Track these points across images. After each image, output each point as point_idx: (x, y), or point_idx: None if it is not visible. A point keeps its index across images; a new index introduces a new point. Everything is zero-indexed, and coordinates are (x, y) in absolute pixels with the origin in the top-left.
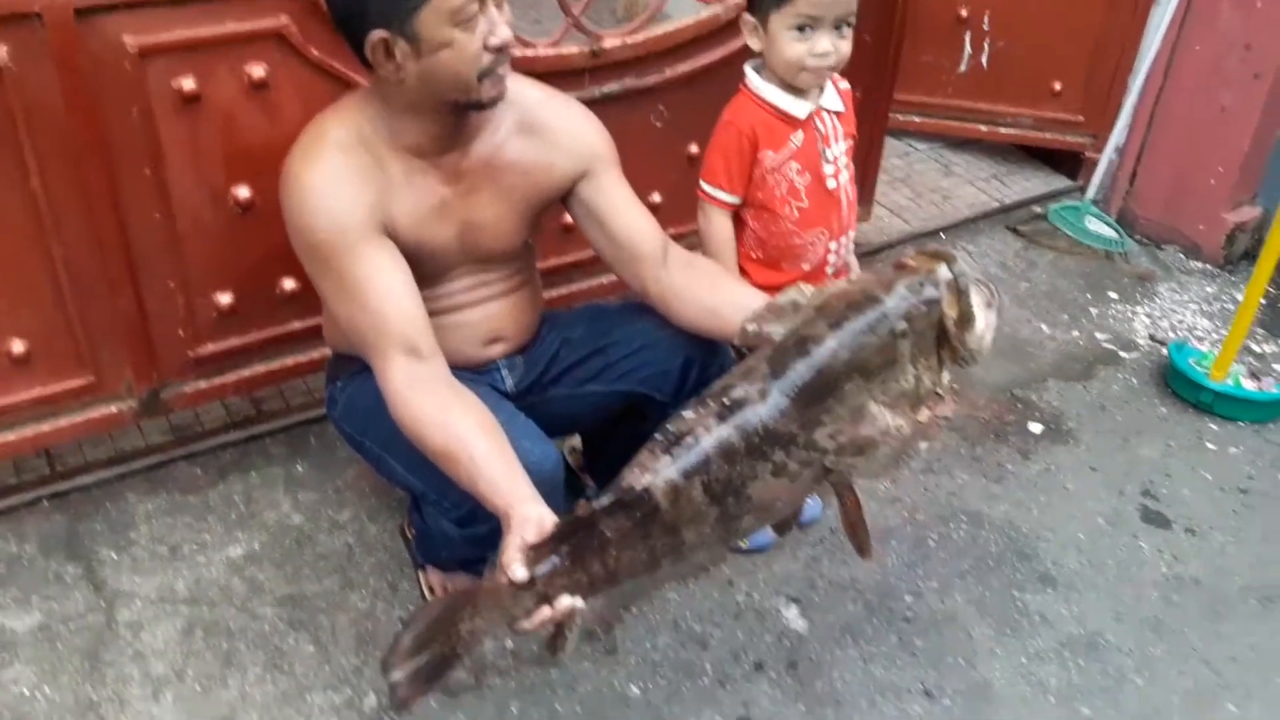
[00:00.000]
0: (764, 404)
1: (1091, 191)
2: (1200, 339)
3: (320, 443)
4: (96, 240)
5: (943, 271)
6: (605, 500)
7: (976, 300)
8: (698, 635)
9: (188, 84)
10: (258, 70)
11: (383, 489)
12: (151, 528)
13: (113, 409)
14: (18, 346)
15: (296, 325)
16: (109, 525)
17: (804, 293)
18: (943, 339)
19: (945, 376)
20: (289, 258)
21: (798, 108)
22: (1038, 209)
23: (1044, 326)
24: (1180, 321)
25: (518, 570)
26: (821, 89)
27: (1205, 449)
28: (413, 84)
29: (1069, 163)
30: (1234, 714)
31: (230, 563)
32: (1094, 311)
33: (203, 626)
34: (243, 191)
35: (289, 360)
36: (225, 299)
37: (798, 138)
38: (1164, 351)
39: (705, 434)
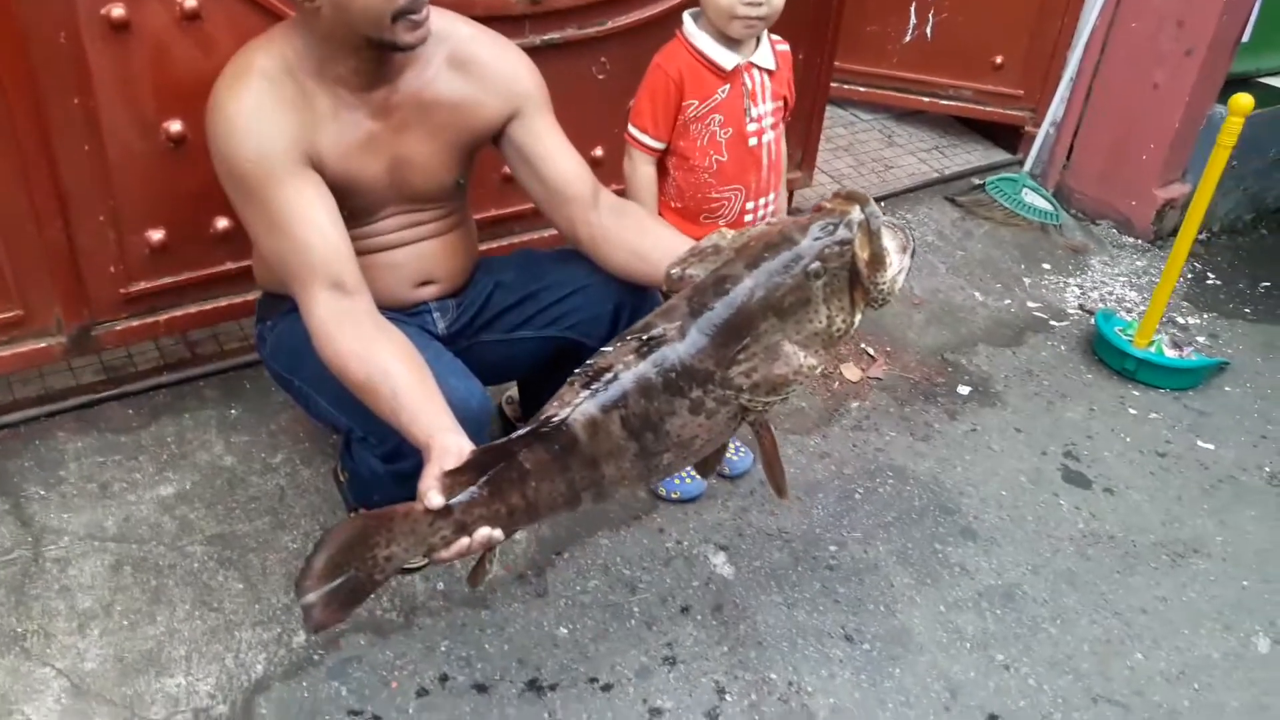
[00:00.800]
0: (682, 341)
1: (1029, 165)
2: (1129, 310)
3: (255, 387)
4: (23, 171)
5: (855, 213)
6: (523, 431)
7: (890, 243)
8: (627, 579)
9: (117, 11)
10: (190, 0)
11: (316, 434)
12: (81, 466)
13: (42, 344)
14: None
15: (230, 266)
16: (38, 463)
17: (725, 236)
18: (855, 280)
19: (857, 317)
20: (222, 196)
21: (726, 59)
22: (976, 180)
23: (977, 294)
24: (1110, 293)
25: (434, 497)
26: (756, 44)
27: (1127, 414)
28: (329, 14)
29: (1009, 136)
30: (1141, 661)
31: (161, 502)
32: (1027, 281)
33: (131, 563)
34: (174, 125)
35: (222, 301)
36: (157, 236)
37: (723, 90)
38: (1092, 321)
39: (624, 370)
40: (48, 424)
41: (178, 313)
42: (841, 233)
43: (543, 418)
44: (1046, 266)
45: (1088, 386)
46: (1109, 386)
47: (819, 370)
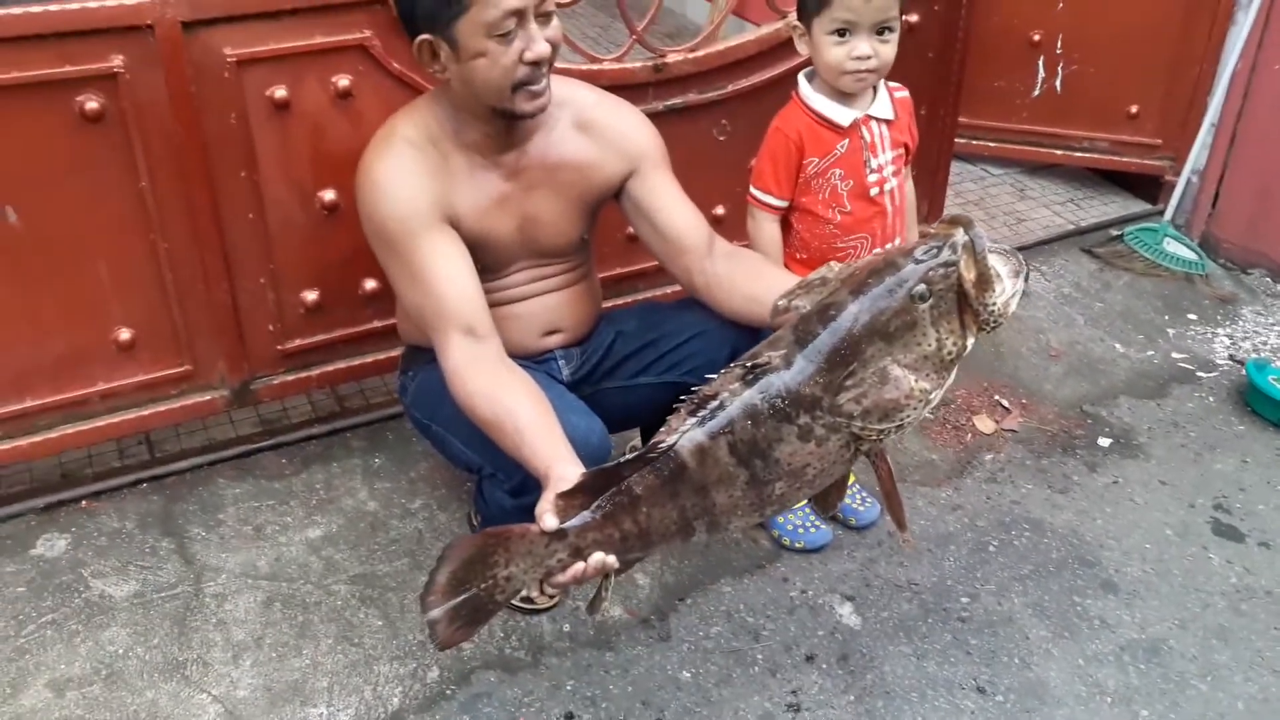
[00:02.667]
0: (788, 369)
1: (1170, 214)
2: None
3: (397, 437)
4: (196, 237)
5: (959, 235)
6: (631, 456)
7: (1000, 265)
8: (750, 627)
9: (280, 92)
10: (343, 80)
11: (453, 481)
12: (239, 510)
13: (207, 397)
14: (124, 334)
15: (377, 324)
16: (200, 506)
17: (833, 268)
18: (964, 302)
19: (970, 340)
20: (370, 259)
21: (842, 115)
22: (1114, 232)
23: (1118, 345)
24: (1264, 343)
25: (549, 520)
26: (873, 97)
27: None
28: (458, 87)
29: (1148, 186)
30: None
31: (309, 543)
32: (1171, 332)
33: (281, 600)
34: (328, 195)
35: (369, 357)
36: (312, 296)
37: (842, 145)
38: (1243, 371)
39: (729, 397)
40: (210, 471)
41: (329, 368)
42: (945, 255)
43: (651, 444)
44: (1192, 317)
45: (1239, 438)
46: (1263, 438)
47: (932, 395)
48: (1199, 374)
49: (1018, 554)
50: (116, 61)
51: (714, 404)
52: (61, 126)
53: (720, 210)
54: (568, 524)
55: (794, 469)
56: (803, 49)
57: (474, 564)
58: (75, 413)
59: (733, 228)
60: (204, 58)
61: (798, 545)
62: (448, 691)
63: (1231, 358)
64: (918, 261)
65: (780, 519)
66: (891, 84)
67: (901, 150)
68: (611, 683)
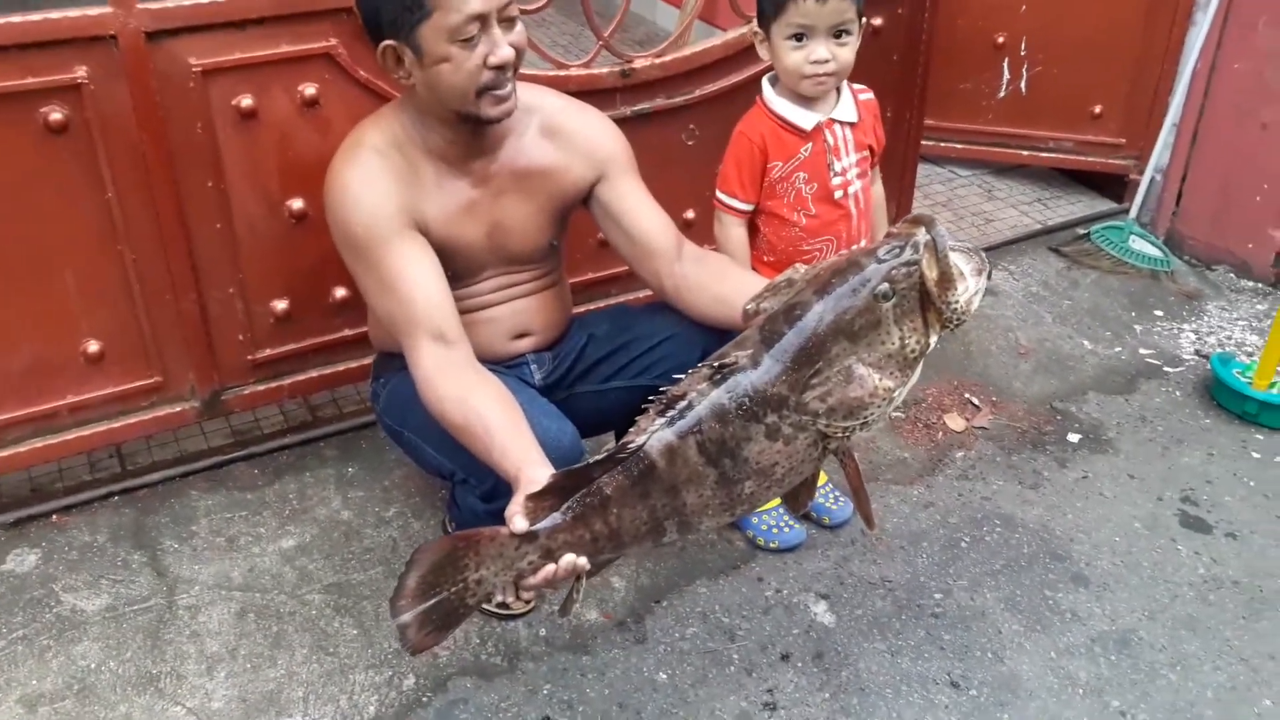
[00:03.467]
0: (755, 369)
1: (1135, 212)
2: (1249, 354)
3: (370, 446)
4: (163, 247)
5: (920, 234)
6: (600, 457)
7: (962, 263)
8: (726, 627)
9: (246, 101)
10: (309, 89)
11: (427, 489)
12: (211, 521)
13: (177, 408)
14: (93, 346)
15: (348, 332)
16: (173, 519)
17: (799, 270)
18: (926, 300)
19: (933, 338)
20: (340, 267)
21: (805, 119)
22: (1081, 231)
23: (1086, 342)
24: (1229, 337)
25: (518, 521)
26: (836, 100)
27: (1249, 457)
28: (423, 93)
29: (1113, 185)
30: (1269, 708)
31: (282, 553)
32: (1138, 328)
33: (255, 610)
34: (296, 203)
35: (340, 366)
36: (281, 305)
37: (806, 149)
38: (1209, 366)
39: (698, 397)
40: (182, 483)
41: (300, 377)
42: (907, 254)
43: (620, 444)
44: (1159, 313)
45: (1206, 431)
46: (1229, 431)
47: (896, 393)
48: (1166, 369)
49: (989, 549)
50: (80, 72)
51: (682, 404)
52: (26, 138)
53: (690, 214)
54: (538, 526)
55: (763, 468)
56: (763, 54)
57: (444, 568)
58: (44, 426)
59: (702, 231)
60: (169, 67)
61: (772, 545)
62: (424, 699)
63: (1197, 353)
64: (880, 261)
65: (754, 519)
66: (856, 86)
67: (866, 153)
68: (588, 686)
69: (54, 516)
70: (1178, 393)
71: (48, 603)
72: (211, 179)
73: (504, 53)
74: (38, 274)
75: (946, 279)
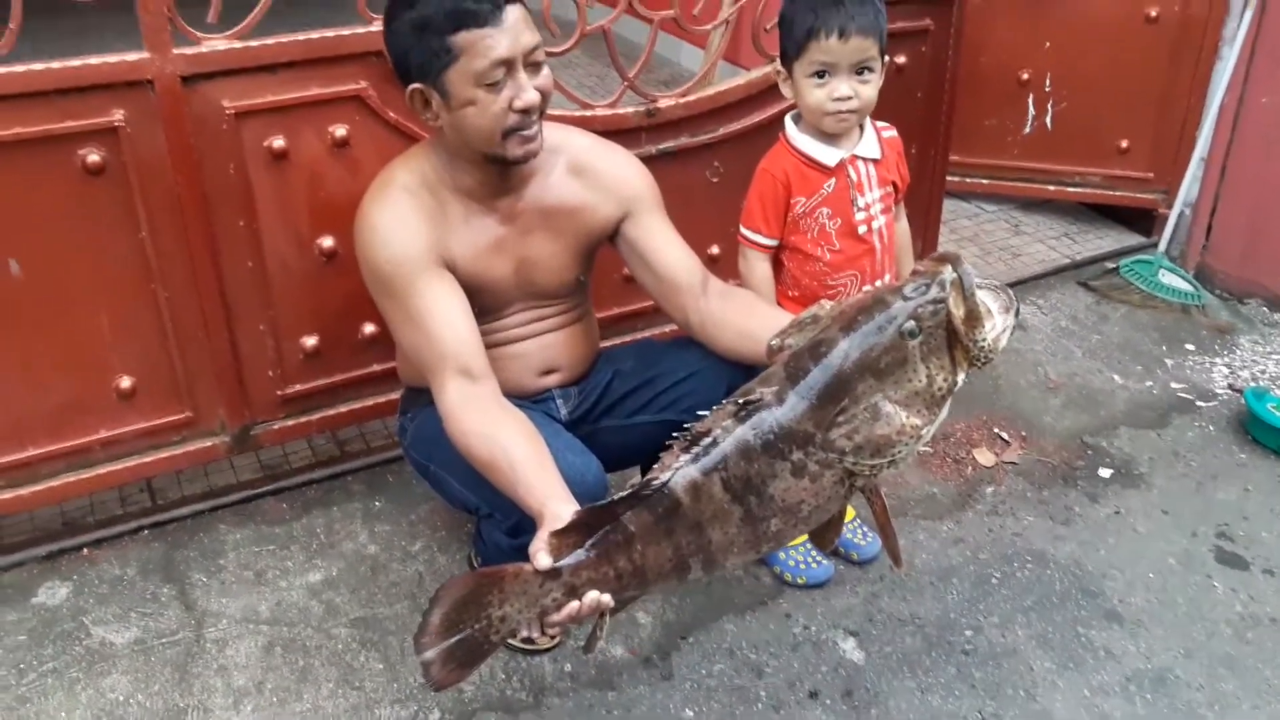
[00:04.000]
0: (780, 405)
1: (1164, 247)
2: None
3: (397, 481)
4: (195, 286)
5: (947, 272)
6: (625, 493)
7: (989, 301)
8: (753, 663)
9: (278, 143)
10: (340, 130)
11: (453, 524)
12: (239, 555)
13: (208, 443)
14: (125, 382)
15: (376, 368)
16: (201, 553)
17: (824, 307)
18: (953, 338)
19: (960, 375)
20: (369, 304)
21: (828, 156)
22: (1110, 265)
23: (1116, 377)
24: (1263, 372)
25: (542, 559)
26: (859, 137)
27: None
28: (450, 134)
29: (1142, 220)
30: None
31: (309, 587)
32: (1169, 363)
33: (282, 644)
34: (326, 241)
35: (369, 401)
36: (311, 342)
37: (829, 185)
38: (1243, 400)
39: (722, 434)
40: (211, 518)
41: (329, 412)
42: (934, 291)
43: (644, 481)
44: (1190, 348)
45: (1241, 466)
46: (1265, 466)
47: (924, 431)
48: (1198, 403)
49: (1021, 586)
50: (117, 116)
51: (707, 440)
52: (64, 180)
53: (715, 250)
54: (562, 563)
55: (788, 505)
56: (787, 92)
57: (468, 604)
58: (76, 461)
59: (727, 267)
60: (203, 110)
61: (800, 581)
62: None
63: (1230, 387)
64: (906, 298)
65: (782, 555)
66: (880, 124)
67: (889, 188)
68: None
69: (85, 550)
70: (1211, 428)
71: (78, 635)
72: (244, 219)
73: (529, 96)
74: (73, 311)
75: (973, 317)
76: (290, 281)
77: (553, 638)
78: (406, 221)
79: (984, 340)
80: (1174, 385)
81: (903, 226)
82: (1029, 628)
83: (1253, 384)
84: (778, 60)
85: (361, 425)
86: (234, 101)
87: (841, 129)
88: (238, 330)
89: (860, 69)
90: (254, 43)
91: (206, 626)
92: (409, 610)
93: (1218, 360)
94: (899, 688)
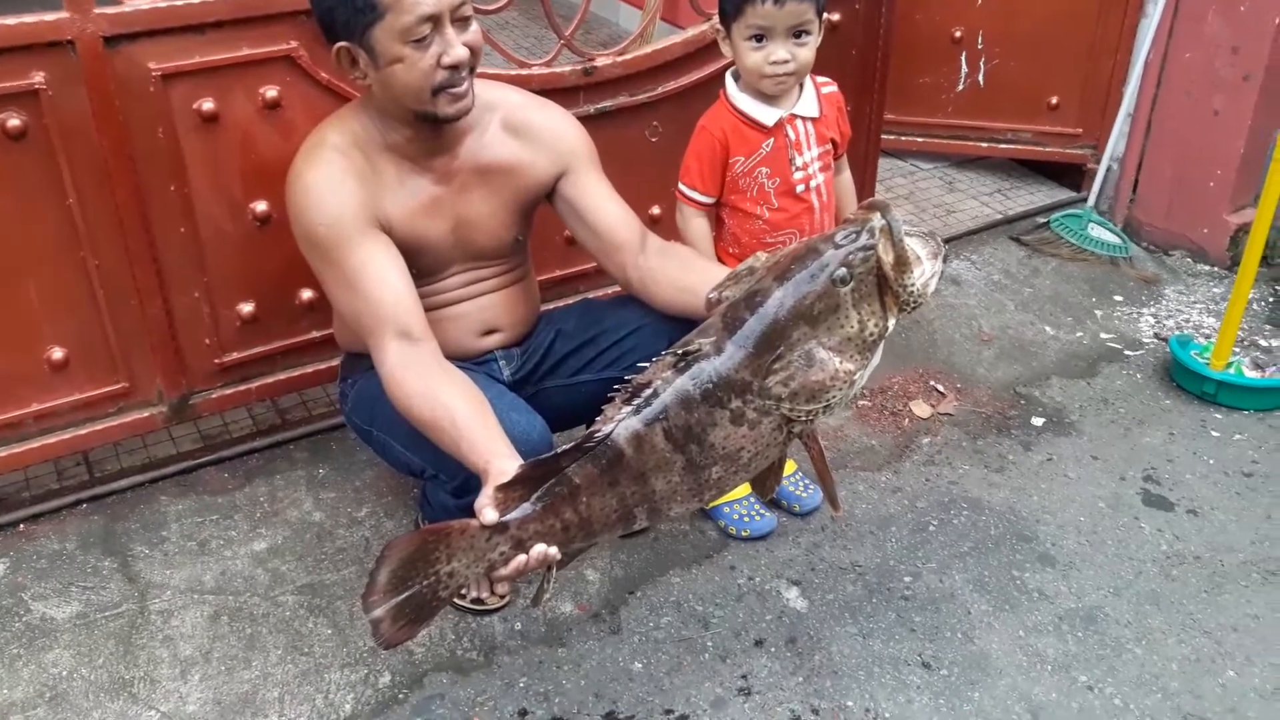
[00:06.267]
0: (718, 355)
1: (1093, 201)
2: (1207, 336)
3: (340, 448)
4: (127, 253)
5: (876, 219)
6: (568, 446)
7: (918, 247)
8: (699, 615)
9: (207, 105)
10: (271, 91)
11: (398, 489)
12: (182, 526)
13: (145, 414)
14: (57, 353)
15: (315, 334)
16: (143, 524)
17: (760, 258)
18: (884, 284)
19: (891, 321)
20: (305, 269)
21: (767, 115)
22: (1041, 220)
23: (1047, 328)
24: (1187, 320)
25: (488, 513)
26: (798, 95)
27: (1209, 436)
28: (379, 92)
29: (1072, 175)
30: (1233, 679)
31: (255, 556)
32: (1099, 314)
33: (228, 613)
34: (260, 205)
35: (308, 368)
36: (248, 308)
37: (767, 145)
38: (1168, 348)
39: (663, 385)
40: (151, 489)
41: (268, 380)
42: (863, 239)
43: (587, 433)
44: (1118, 299)
45: (1166, 412)
46: (1189, 411)
47: (857, 375)
48: (1126, 352)
49: (957, 532)
50: (38, 78)
51: (648, 392)
52: None
53: (655, 210)
54: (508, 517)
55: (729, 453)
56: (726, 51)
57: (415, 561)
58: (9, 435)
59: (668, 227)
60: (128, 72)
61: (743, 534)
62: (400, 695)
63: (1156, 336)
64: (837, 246)
65: (725, 509)
66: (820, 79)
67: (828, 146)
68: (564, 677)
69: (21, 526)
70: (1138, 375)
71: (17, 612)
72: (174, 183)
73: (457, 52)
74: (0, 282)
75: (902, 263)
76: (224, 247)
77: (501, 597)
78: (339, 182)
79: (913, 285)
80: (1103, 335)
81: (845, 179)
82: (965, 572)
83: (1177, 332)
84: (716, 18)
85: (302, 393)
86: (160, 63)
87: (779, 91)
88: (172, 298)
89: (797, 32)
90: (179, 2)
91: (150, 598)
92: (356, 576)
93: (1144, 310)
94: (841, 634)
